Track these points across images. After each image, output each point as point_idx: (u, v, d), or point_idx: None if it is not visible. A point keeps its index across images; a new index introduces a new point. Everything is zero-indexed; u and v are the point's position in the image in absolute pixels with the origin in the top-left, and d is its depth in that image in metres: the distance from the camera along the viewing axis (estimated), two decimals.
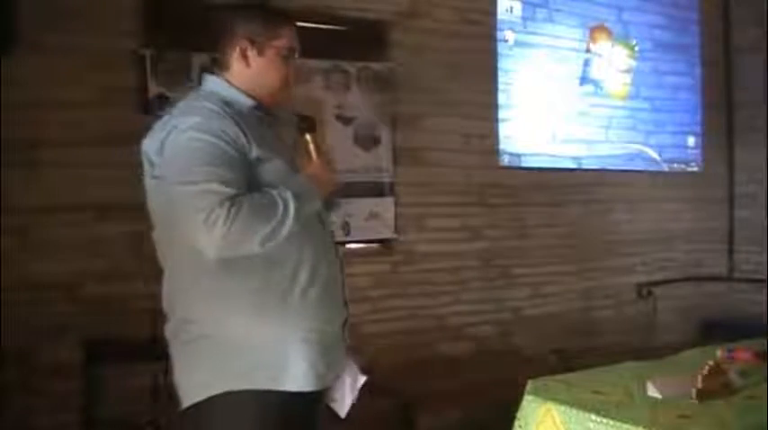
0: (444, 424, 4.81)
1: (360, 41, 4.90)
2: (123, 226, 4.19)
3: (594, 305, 6.01)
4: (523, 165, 5.73)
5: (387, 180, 5.05)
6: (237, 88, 2.39)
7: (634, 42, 6.42)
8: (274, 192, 2.20)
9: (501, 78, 5.61)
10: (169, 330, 2.46)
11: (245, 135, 2.22)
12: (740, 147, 6.82)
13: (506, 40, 5.70)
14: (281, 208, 2.17)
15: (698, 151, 6.78)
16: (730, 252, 6.84)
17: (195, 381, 2.35)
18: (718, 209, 6.85)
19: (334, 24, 4.81)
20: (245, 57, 2.39)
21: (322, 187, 2.38)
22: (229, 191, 2.11)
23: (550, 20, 5.94)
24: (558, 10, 5.97)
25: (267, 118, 2.44)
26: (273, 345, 2.26)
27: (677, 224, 6.55)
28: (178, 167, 2.21)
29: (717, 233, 6.83)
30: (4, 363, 3.78)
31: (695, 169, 6.76)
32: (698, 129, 6.79)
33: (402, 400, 4.39)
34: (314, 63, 4.74)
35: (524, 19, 5.80)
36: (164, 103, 4.32)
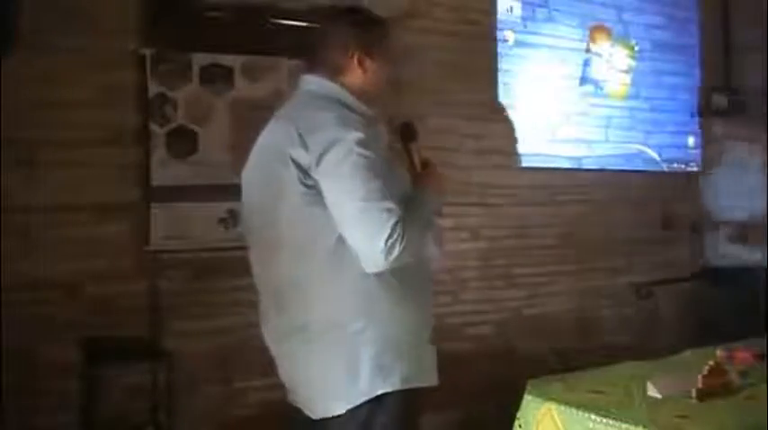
0: (444, 423, 4.81)
1: None
2: (122, 226, 4.20)
3: (594, 305, 6.01)
4: (523, 165, 5.74)
5: None
6: (353, 95, 2.47)
7: (634, 42, 6.42)
8: (418, 204, 2.39)
9: (501, 78, 5.61)
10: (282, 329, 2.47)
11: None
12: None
13: (506, 40, 5.70)
14: (425, 220, 2.39)
15: (698, 151, 6.78)
16: None
17: (351, 382, 2.35)
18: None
19: None
20: (361, 64, 2.48)
21: (439, 196, 2.55)
22: (398, 209, 2.24)
23: (550, 20, 5.94)
24: (557, 10, 5.97)
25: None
26: (417, 342, 2.50)
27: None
28: (349, 183, 2.26)
29: None
30: (4, 363, 3.78)
31: (695, 169, 6.76)
32: (698, 129, 6.78)
33: None
34: None
35: (524, 19, 5.80)
36: (164, 102, 4.34)
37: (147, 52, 4.29)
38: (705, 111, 6.68)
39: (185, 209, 4.35)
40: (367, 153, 2.25)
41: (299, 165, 2.29)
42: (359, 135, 2.27)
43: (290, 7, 4.67)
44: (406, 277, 2.35)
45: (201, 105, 4.44)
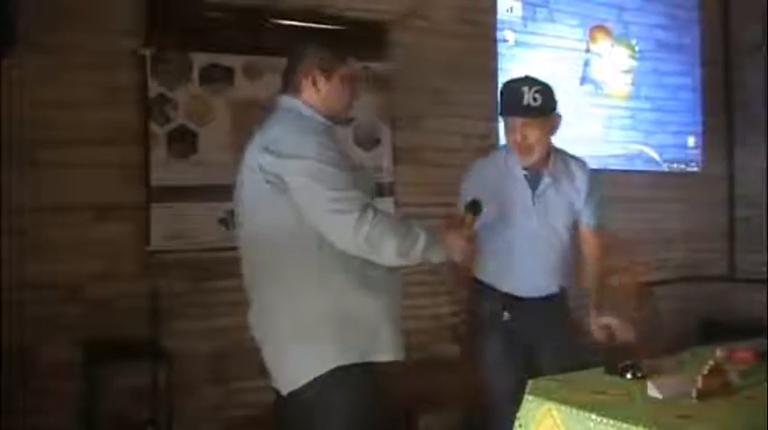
0: (444, 424, 4.81)
1: (360, 42, 4.89)
2: (121, 226, 4.20)
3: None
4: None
5: (387, 180, 5.05)
6: (311, 109, 2.68)
7: (634, 42, 6.42)
8: (409, 221, 2.62)
9: (501, 78, 5.60)
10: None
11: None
12: (740, 147, 6.82)
13: (506, 40, 5.70)
14: (413, 232, 2.55)
15: (698, 151, 6.78)
16: (730, 252, 6.85)
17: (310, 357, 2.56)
18: (717, 209, 6.85)
19: (334, 24, 4.81)
20: (314, 84, 2.68)
21: (450, 252, 2.70)
22: (369, 199, 2.54)
23: (551, 20, 5.94)
24: (558, 10, 5.98)
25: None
26: (377, 320, 2.64)
27: (677, 224, 6.55)
28: (317, 183, 2.49)
29: (716, 233, 6.83)
30: (4, 363, 3.78)
31: (695, 169, 6.76)
32: (698, 129, 6.79)
33: (402, 400, 4.38)
34: None
35: (524, 19, 5.80)
36: (164, 102, 4.34)
37: (148, 52, 4.29)
38: None
39: (185, 209, 4.36)
40: (329, 154, 2.50)
41: (264, 171, 2.53)
42: (319, 139, 2.53)
43: (289, 7, 4.67)
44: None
45: (201, 105, 4.44)
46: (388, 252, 2.50)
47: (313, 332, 2.53)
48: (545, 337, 3.52)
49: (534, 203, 3.44)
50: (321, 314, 2.53)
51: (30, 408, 3.82)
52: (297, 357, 2.54)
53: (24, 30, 3.71)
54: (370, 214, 2.45)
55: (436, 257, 2.66)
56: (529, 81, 3.46)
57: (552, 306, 3.57)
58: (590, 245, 3.66)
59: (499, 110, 3.50)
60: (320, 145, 2.51)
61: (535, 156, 3.44)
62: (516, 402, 2.90)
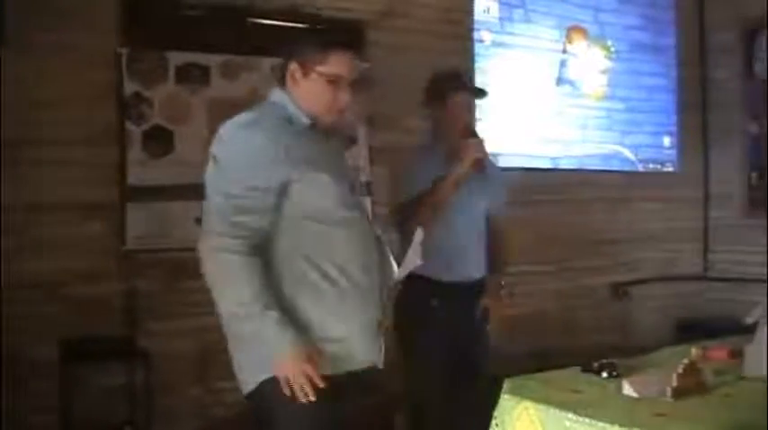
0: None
1: None
2: (97, 225, 4.18)
3: (571, 305, 6.03)
4: (500, 164, 5.74)
5: (363, 179, 5.05)
6: (295, 104, 2.55)
7: (610, 43, 6.45)
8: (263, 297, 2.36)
9: (478, 78, 5.61)
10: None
11: (286, 153, 2.41)
12: (715, 147, 6.86)
13: (483, 41, 5.71)
14: (248, 308, 2.35)
15: (673, 151, 6.82)
16: (705, 251, 6.89)
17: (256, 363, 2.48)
18: (693, 209, 6.89)
19: (312, 23, 4.80)
20: (293, 77, 2.56)
21: None
22: (245, 235, 2.35)
23: (527, 20, 5.96)
24: (534, 11, 5.99)
25: (322, 136, 2.58)
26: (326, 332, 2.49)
27: (653, 224, 6.58)
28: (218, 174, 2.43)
29: (692, 233, 6.87)
30: None
31: (671, 169, 6.80)
32: (673, 129, 6.83)
33: (383, 399, 4.38)
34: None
35: (501, 19, 5.82)
36: (140, 101, 4.32)
37: (123, 51, 4.27)
38: None
39: (162, 208, 4.34)
40: (254, 153, 2.40)
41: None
42: (267, 135, 2.42)
43: (267, 7, 4.66)
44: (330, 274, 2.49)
45: (178, 104, 4.43)
46: (221, 299, 2.39)
47: None
48: (471, 322, 3.58)
49: (468, 193, 3.47)
50: None
51: (7, 408, 3.80)
52: (248, 360, 2.49)
53: (10, 29, 3.70)
54: (217, 253, 2.35)
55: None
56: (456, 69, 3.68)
57: (479, 291, 3.60)
58: (497, 232, 3.73)
59: (434, 95, 3.59)
60: (251, 139, 2.42)
61: None
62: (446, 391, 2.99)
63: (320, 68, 2.52)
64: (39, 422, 3.88)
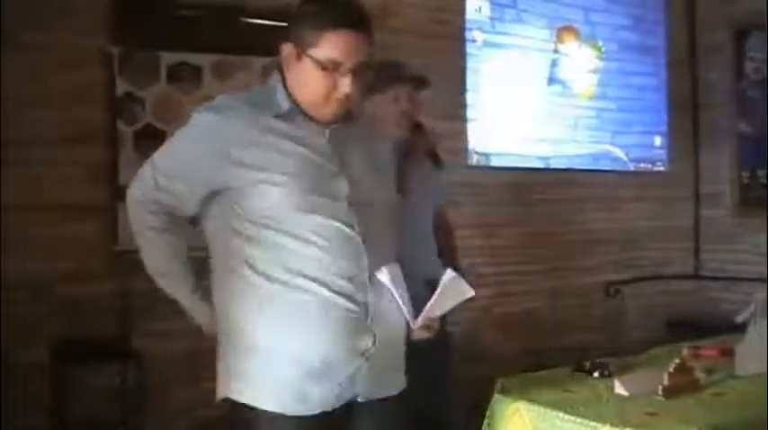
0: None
1: None
2: (89, 225, 4.18)
3: (563, 304, 6.04)
4: (492, 164, 5.76)
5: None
6: (287, 88, 2.23)
7: (601, 43, 6.46)
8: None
9: (469, 78, 5.63)
10: None
11: (241, 139, 2.16)
12: (705, 146, 6.88)
13: (475, 41, 5.72)
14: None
15: (664, 151, 6.83)
16: (696, 251, 6.91)
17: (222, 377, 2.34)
18: (683, 208, 6.91)
19: None
20: (285, 59, 2.22)
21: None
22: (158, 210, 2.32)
23: (518, 20, 5.96)
24: (525, 11, 6.00)
25: (317, 131, 2.22)
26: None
27: (644, 223, 6.60)
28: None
29: (683, 232, 6.89)
30: None
31: (661, 169, 6.81)
32: (664, 129, 6.84)
33: None
34: None
35: (492, 19, 5.82)
36: (132, 101, 4.32)
37: (115, 50, 4.26)
38: None
39: None
40: (198, 132, 2.30)
41: None
42: (207, 115, 2.27)
43: (260, 7, 4.66)
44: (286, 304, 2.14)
45: (170, 104, 4.42)
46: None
47: (223, 349, 2.29)
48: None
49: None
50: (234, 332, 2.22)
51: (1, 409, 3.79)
52: (219, 371, 2.32)
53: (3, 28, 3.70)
54: (133, 218, 2.40)
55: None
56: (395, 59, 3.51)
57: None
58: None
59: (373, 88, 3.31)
60: (207, 124, 2.24)
61: None
62: None
63: (311, 52, 2.14)
64: (30, 424, 3.87)
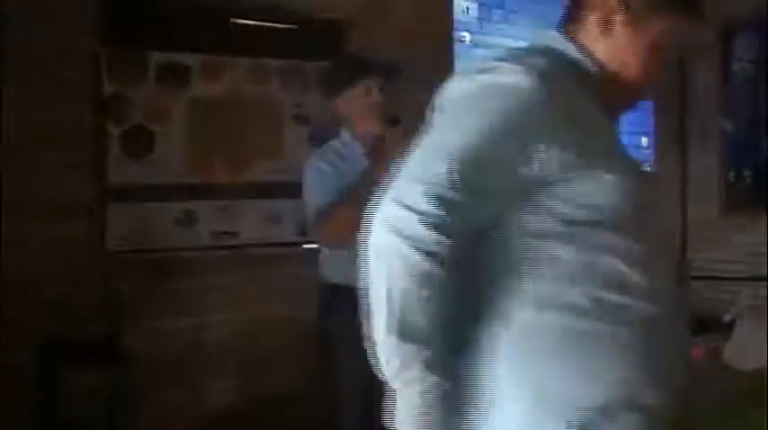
0: None
1: (318, 40, 4.89)
2: (77, 226, 4.17)
3: None
4: None
5: None
6: (583, 53, 1.82)
7: None
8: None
9: None
10: None
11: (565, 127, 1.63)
12: (692, 147, 6.90)
13: (463, 41, 5.73)
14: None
15: (651, 151, 6.85)
16: (683, 250, 6.93)
17: None
18: (670, 208, 6.92)
19: (292, 23, 4.80)
20: (607, 21, 1.82)
21: None
22: (444, 242, 1.49)
23: (506, 21, 5.97)
24: (513, 11, 6.01)
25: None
26: None
27: None
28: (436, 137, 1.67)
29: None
30: None
31: (648, 169, 6.83)
32: (651, 129, 6.86)
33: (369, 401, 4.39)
34: (272, 62, 4.73)
35: (480, 20, 5.83)
36: (120, 101, 4.31)
37: (103, 50, 4.26)
38: None
39: (142, 209, 4.33)
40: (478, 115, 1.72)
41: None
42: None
43: (250, 6, 4.66)
44: None
45: (158, 105, 4.41)
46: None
47: None
48: None
49: None
50: None
51: None
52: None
53: None
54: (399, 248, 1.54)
55: None
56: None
57: None
58: None
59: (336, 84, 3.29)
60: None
61: None
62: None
63: (657, 25, 1.79)
64: (14, 426, 3.86)
